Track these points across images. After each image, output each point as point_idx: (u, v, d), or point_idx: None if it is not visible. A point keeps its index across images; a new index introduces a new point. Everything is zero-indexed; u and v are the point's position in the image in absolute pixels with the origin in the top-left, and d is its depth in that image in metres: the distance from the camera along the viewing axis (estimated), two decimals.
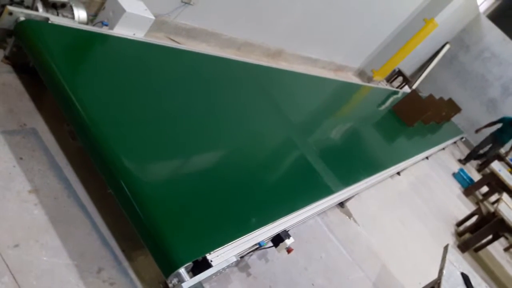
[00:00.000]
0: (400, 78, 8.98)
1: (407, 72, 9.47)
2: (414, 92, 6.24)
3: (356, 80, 7.64)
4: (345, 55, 7.08)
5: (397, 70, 8.75)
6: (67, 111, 1.80)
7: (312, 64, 6.35)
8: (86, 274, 1.56)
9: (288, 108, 3.50)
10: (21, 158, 1.73)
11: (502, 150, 8.84)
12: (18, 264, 1.44)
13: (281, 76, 3.98)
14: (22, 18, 1.94)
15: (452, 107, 8.54)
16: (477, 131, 8.47)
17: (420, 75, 10.61)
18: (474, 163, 10.02)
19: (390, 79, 8.86)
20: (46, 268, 1.49)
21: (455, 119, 9.43)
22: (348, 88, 5.73)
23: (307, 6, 4.90)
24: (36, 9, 2.10)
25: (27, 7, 2.09)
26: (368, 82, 7.69)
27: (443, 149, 7.82)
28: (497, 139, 8.29)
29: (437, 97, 8.47)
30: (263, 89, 3.44)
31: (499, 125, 8.18)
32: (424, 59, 10.56)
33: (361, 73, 7.97)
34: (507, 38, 10.27)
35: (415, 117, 5.99)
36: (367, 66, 7.90)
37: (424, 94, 8.51)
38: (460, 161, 8.81)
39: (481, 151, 8.73)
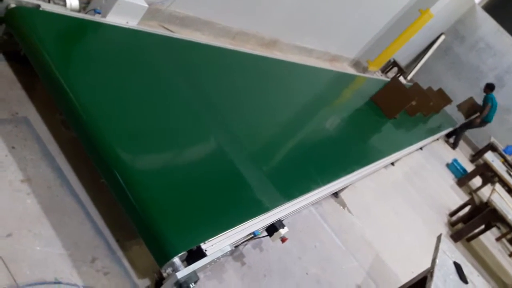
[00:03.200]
0: (395, 69, 8.98)
1: (402, 62, 9.46)
2: (396, 80, 5.58)
3: (351, 70, 7.63)
4: (340, 46, 7.05)
5: (392, 60, 8.74)
6: (59, 100, 1.78)
7: (307, 54, 6.32)
8: (79, 263, 1.56)
9: (282, 98, 3.50)
10: (13, 147, 1.71)
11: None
12: (11, 254, 1.43)
13: (274, 66, 3.96)
14: (12, 5, 1.90)
15: (442, 98, 8.37)
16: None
17: (415, 65, 10.61)
18: (467, 153, 10.09)
19: (385, 70, 8.86)
20: (39, 258, 1.48)
21: (449, 109, 9.42)
22: (340, 78, 5.72)
23: None
24: None
25: None
26: (363, 73, 7.68)
27: (437, 139, 7.85)
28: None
29: (434, 88, 8.48)
30: (257, 79, 3.42)
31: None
32: (419, 49, 10.55)
33: (356, 64, 7.95)
34: (501, 29, 10.28)
35: (397, 108, 5.41)
36: (362, 57, 7.88)
37: (429, 86, 8.45)
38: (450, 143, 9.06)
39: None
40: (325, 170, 2.96)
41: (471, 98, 8.96)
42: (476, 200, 5.27)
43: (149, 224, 1.56)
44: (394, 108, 5.39)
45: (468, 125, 8.68)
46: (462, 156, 9.32)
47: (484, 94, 8.47)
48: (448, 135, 9.08)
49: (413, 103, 5.70)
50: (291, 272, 2.42)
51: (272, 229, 2.07)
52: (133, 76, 2.18)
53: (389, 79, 8.18)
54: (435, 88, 8.61)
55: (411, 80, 10.08)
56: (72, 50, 2.01)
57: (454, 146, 9.08)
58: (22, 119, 1.85)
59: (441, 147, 8.40)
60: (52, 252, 1.52)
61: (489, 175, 7.01)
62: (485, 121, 8.41)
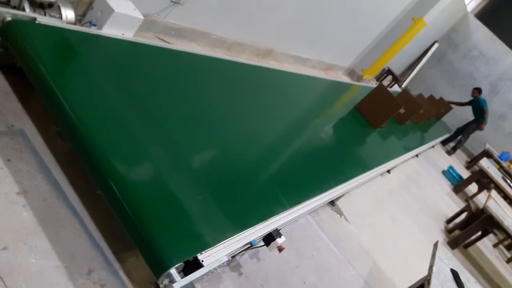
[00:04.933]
0: (390, 77, 9.04)
1: (397, 71, 9.53)
2: (382, 87, 5.01)
3: (346, 79, 7.67)
4: (335, 55, 7.11)
5: (386, 69, 8.81)
6: (55, 112, 1.79)
7: (302, 63, 6.36)
8: (76, 276, 1.55)
9: (278, 107, 3.51)
10: (8, 160, 1.71)
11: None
12: (7, 267, 1.42)
13: (270, 76, 3.99)
14: (8, 18, 1.91)
15: (433, 105, 8.23)
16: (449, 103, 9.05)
17: (410, 74, 10.69)
18: (463, 160, 10.14)
19: (379, 78, 8.92)
20: (35, 271, 1.47)
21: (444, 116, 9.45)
22: (334, 87, 5.74)
23: (297, 6, 4.92)
24: (23, 9, 2.08)
25: (14, 7, 2.07)
26: (358, 81, 7.73)
27: (433, 147, 7.89)
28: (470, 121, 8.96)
29: (426, 95, 8.52)
30: (253, 88, 3.44)
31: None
32: (413, 58, 10.65)
33: (351, 73, 8.01)
34: (494, 37, 10.40)
35: (383, 116, 4.91)
36: (357, 65, 7.94)
37: (413, 92, 8.53)
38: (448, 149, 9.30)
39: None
40: (321, 178, 2.96)
41: (441, 98, 9.18)
42: (472, 207, 5.29)
43: (145, 235, 1.56)
44: (380, 117, 4.93)
45: (472, 131, 8.96)
46: (457, 163, 9.36)
47: (473, 98, 8.78)
48: (444, 142, 9.16)
49: (401, 111, 5.19)
50: (289, 282, 2.41)
51: (269, 238, 2.07)
52: (129, 88, 2.19)
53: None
54: (432, 97, 8.68)
55: (406, 88, 10.14)
56: (68, 63, 2.02)
57: (454, 150, 9.30)
58: (18, 131, 1.85)
59: (437, 155, 8.44)
60: (48, 264, 1.52)
61: (485, 181, 7.04)
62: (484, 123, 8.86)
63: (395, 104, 4.91)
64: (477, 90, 8.75)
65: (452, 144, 9.46)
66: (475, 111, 8.87)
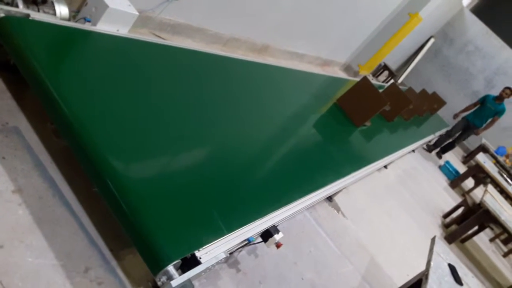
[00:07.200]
0: (386, 73, 9.04)
1: (393, 66, 9.53)
2: (366, 81, 4.44)
3: (342, 75, 7.67)
4: (331, 50, 7.09)
5: (382, 64, 8.80)
6: (50, 109, 1.77)
7: (299, 59, 6.35)
8: (73, 274, 1.54)
9: (275, 103, 3.50)
10: (3, 158, 1.70)
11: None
12: (3, 266, 1.41)
13: (266, 71, 3.97)
14: (1, 15, 1.89)
15: (427, 100, 7.69)
16: (455, 116, 7.98)
17: (406, 69, 10.69)
18: (459, 155, 10.16)
19: (376, 74, 8.91)
20: (31, 269, 1.46)
21: (440, 111, 9.33)
22: (332, 82, 5.74)
23: (293, 1, 4.90)
24: (16, 6, 2.06)
25: (7, 4, 2.05)
26: (355, 77, 7.72)
27: (430, 141, 7.90)
28: (469, 124, 7.66)
29: (422, 90, 8.48)
30: (250, 85, 3.43)
31: (475, 108, 7.62)
32: (409, 53, 10.64)
33: (347, 68, 8.00)
34: (490, 32, 10.41)
35: (367, 113, 4.38)
36: (353, 61, 7.93)
37: (409, 87, 8.50)
38: (426, 150, 8.10)
39: (452, 139, 8.05)
40: (318, 174, 2.96)
41: (434, 93, 8.44)
42: (469, 202, 5.31)
43: (142, 233, 1.55)
44: (364, 113, 4.37)
45: (467, 137, 7.93)
46: (454, 158, 9.38)
47: (498, 102, 7.23)
48: (435, 145, 8.17)
49: (387, 108, 4.59)
50: (287, 278, 2.41)
51: (267, 234, 2.06)
52: (124, 84, 2.18)
53: (380, 83, 8.25)
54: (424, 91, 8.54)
55: (402, 83, 10.15)
56: (62, 59, 2.00)
57: (443, 152, 8.20)
58: (13, 129, 1.84)
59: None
60: (44, 263, 1.51)
61: (481, 176, 7.07)
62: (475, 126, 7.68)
63: (380, 100, 4.33)
64: (510, 91, 7.02)
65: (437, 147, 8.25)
66: (485, 112, 7.36)
